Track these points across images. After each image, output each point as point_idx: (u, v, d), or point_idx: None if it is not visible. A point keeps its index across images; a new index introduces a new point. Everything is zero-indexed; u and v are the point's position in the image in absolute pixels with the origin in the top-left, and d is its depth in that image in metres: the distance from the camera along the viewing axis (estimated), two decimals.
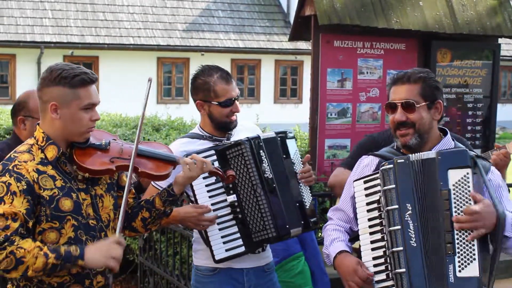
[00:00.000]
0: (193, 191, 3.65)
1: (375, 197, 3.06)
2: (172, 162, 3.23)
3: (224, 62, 22.20)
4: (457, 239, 2.83)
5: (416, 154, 3.00)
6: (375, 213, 3.05)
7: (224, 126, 3.80)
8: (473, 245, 2.81)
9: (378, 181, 3.05)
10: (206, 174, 3.50)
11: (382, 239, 3.01)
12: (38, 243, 2.81)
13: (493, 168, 3.10)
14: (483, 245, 2.84)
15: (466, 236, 2.83)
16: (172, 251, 5.84)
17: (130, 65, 20.94)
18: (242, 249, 3.63)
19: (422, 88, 3.12)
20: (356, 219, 3.25)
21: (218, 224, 3.63)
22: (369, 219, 3.07)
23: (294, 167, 3.77)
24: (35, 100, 3.18)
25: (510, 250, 2.95)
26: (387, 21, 5.83)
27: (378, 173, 3.06)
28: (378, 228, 3.03)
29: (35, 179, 2.86)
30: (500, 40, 6.57)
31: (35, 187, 2.85)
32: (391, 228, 2.94)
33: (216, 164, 3.61)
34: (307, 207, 3.74)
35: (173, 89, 22.12)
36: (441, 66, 6.22)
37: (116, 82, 20.85)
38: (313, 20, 5.74)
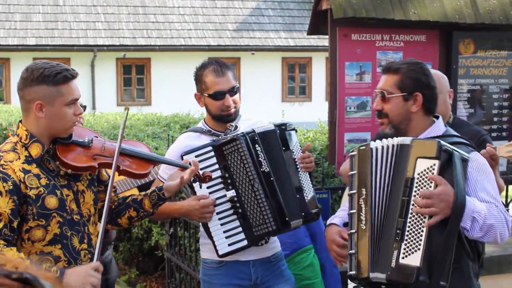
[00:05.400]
0: (192, 188, 3.69)
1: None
2: (152, 161, 3.34)
3: (274, 61, 22.25)
4: (408, 226, 2.84)
5: (394, 138, 3.04)
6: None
7: (219, 118, 3.84)
8: (421, 235, 2.81)
9: None
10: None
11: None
12: (21, 255, 2.84)
13: (476, 156, 3.04)
14: (435, 237, 2.81)
15: (420, 224, 2.82)
16: (195, 246, 5.90)
17: (182, 66, 21.15)
18: (245, 242, 3.66)
19: (400, 80, 3.15)
20: None
21: (219, 219, 3.66)
22: None
23: (294, 157, 3.78)
24: None
25: (479, 237, 2.91)
26: (404, 13, 5.75)
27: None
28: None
29: (22, 179, 2.92)
30: None
31: (22, 187, 2.91)
32: (350, 212, 3.07)
33: (214, 159, 3.66)
34: (308, 198, 3.75)
35: None
36: (464, 57, 6.09)
37: (168, 83, 21.11)
38: (330, 14, 5.72)
